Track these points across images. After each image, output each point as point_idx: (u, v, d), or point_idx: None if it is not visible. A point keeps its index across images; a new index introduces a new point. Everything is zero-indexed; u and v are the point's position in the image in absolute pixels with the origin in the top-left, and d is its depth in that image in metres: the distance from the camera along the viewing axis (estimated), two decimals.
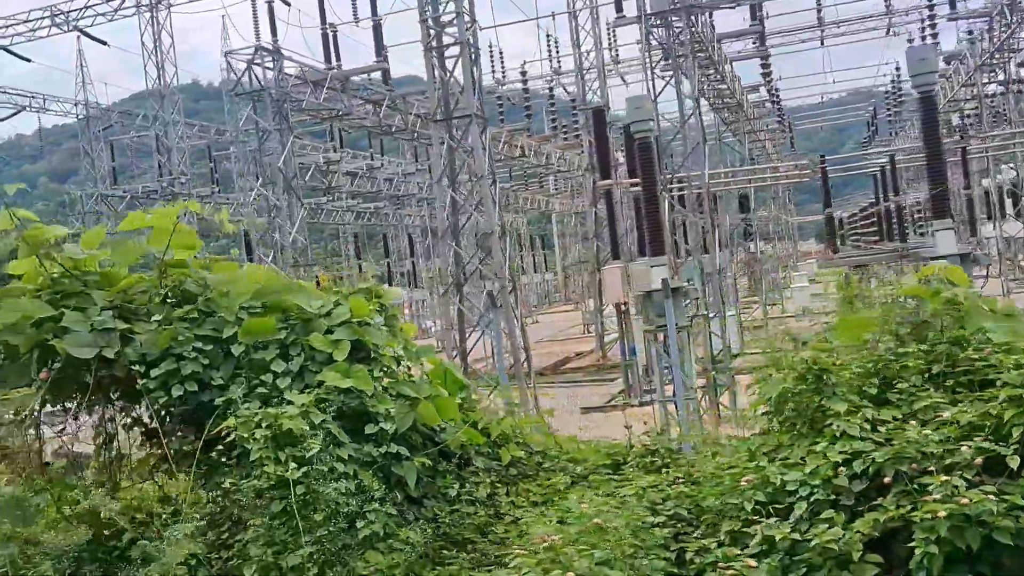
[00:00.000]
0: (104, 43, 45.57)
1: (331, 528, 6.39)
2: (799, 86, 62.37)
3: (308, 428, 6.65)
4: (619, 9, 31.37)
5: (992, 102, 40.01)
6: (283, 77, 30.05)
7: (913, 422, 5.87)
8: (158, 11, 43.68)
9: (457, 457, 7.74)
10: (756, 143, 52.10)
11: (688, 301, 21.36)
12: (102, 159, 51.95)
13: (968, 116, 41.27)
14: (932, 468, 5.42)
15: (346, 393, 7.18)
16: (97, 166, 52.61)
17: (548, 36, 59.88)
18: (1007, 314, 6.87)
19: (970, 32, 38.77)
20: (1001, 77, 37.07)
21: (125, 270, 8.16)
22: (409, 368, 8.08)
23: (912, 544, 5.09)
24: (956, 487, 5.15)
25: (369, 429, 7.15)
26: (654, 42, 26.96)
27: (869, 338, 7.14)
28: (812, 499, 5.67)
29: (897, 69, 53.04)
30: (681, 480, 6.86)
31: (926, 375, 6.43)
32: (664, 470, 7.32)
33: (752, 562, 5.25)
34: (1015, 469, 5.26)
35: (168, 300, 7.70)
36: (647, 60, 25.94)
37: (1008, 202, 38.41)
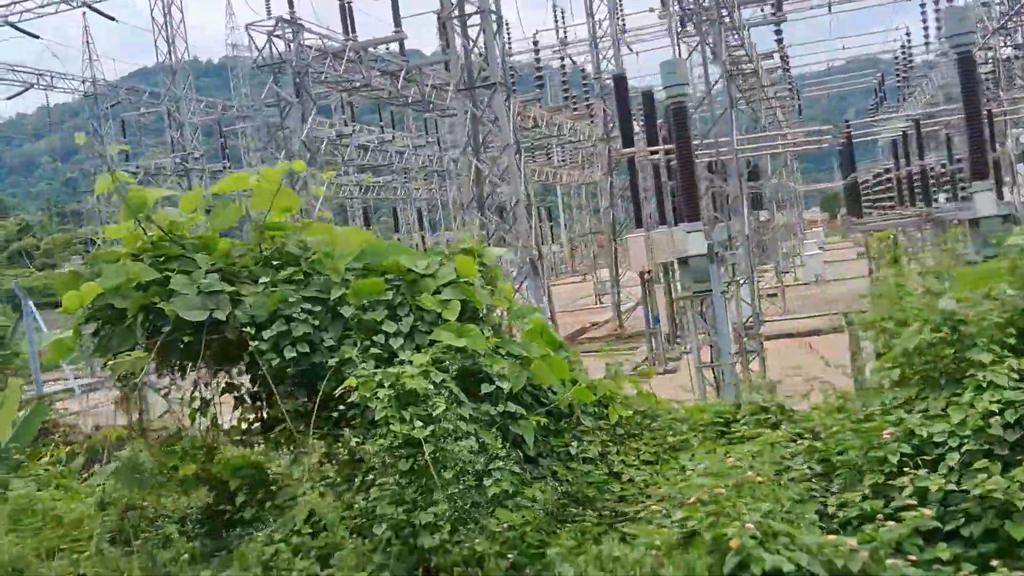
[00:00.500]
0: (113, 19, 45.18)
1: (461, 486, 6.35)
2: (807, 53, 62.07)
3: (432, 387, 6.60)
4: None
5: (1009, 65, 39.78)
6: (302, 49, 29.82)
7: None
8: None
9: (565, 417, 7.69)
10: (768, 111, 51.89)
11: (726, 266, 21.33)
12: (110, 136, 51.54)
13: (985, 79, 41.03)
14: None
15: (459, 352, 7.12)
16: (106, 143, 52.10)
17: (555, 6, 59.45)
18: None
19: None
20: (1019, 41, 36.85)
21: (217, 234, 8.09)
22: (510, 328, 8.03)
23: None
24: None
25: (485, 388, 7.10)
26: (677, 7, 26.77)
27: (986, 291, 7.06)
28: (963, 450, 5.62)
29: (908, 35, 52.71)
30: (806, 436, 6.82)
31: None
32: (777, 428, 7.28)
33: (928, 511, 5.20)
34: None
35: (272, 263, 7.64)
36: (672, 25, 25.72)
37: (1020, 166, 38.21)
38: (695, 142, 27.78)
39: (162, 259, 7.58)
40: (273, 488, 7.53)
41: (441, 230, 66.77)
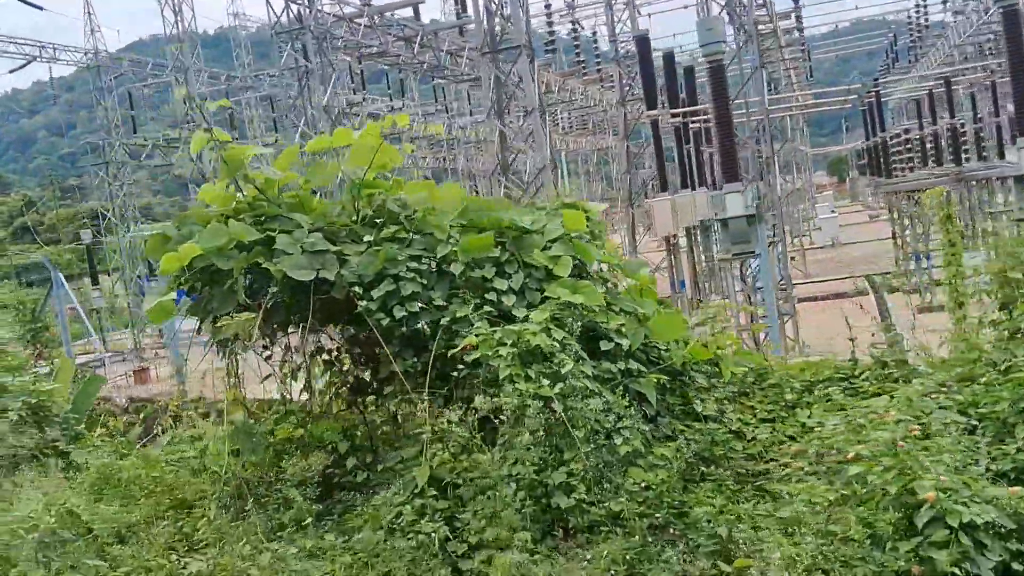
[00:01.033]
0: None
1: (592, 445, 6.17)
2: (811, 15, 61.52)
3: (556, 344, 6.41)
4: None
5: None
6: (321, 14, 29.41)
7: None
8: None
9: (677, 375, 7.50)
10: (784, 73, 51.50)
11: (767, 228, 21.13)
12: (113, 109, 50.94)
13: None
14: None
15: (574, 309, 6.92)
16: (110, 116, 51.56)
17: None
18: None
19: None
20: None
21: (310, 192, 7.87)
22: (616, 284, 7.83)
23: None
24: None
25: (604, 346, 6.90)
26: None
27: None
28: None
29: None
30: (940, 391, 6.63)
31: None
32: (905, 383, 7.09)
33: None
34: None
35: (375, 221, 7.42)
36: None
37: None
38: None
39: (262, 219, 7.35)
40: (381, 450, 7.36)
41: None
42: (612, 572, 5.38)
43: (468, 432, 6.75)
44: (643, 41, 31.28)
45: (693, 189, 28.91)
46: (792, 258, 40.08)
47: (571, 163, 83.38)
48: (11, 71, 53.00)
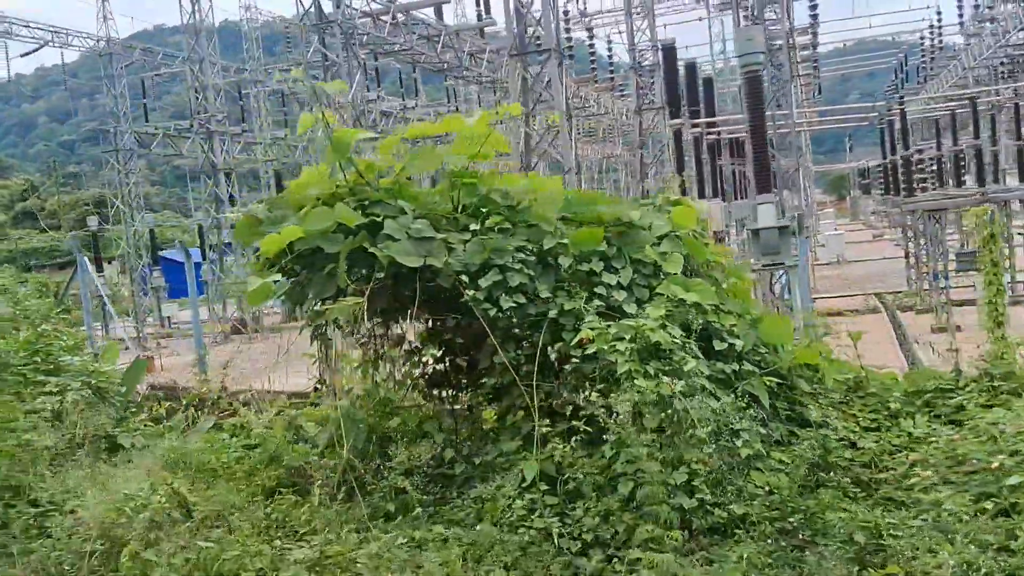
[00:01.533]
0: None
1: (714, 446, 6.05)
2: (827, 32, 61.65)
3: (676, 342, 6.29)
4: None
5: None
6: (349, 10, 29.29)
7: None
8: None
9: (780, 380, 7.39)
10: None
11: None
12: (123, 96, 50.57)
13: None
14: None
15: (688, 307, 6.81)
16: (118, 104, 51.16)
17: None
18: None
19: None
20: None
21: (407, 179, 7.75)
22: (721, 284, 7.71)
23: None
24: None
25: (718, 346, 6.78)
26: None
27: None
28: None
29: (939, 14, 52.35)
30: None
31: None
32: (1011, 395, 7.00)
33: None
34: None
35: (477, 210, 7.30)
36: None
37: None
38: (738, 116, 27.53)
39: (365, 204, 7.22)
40: (476, 442, 7.23)
41: None
42: None
43: (570, 426, 6.60)
44: (669, 50, 31.25)
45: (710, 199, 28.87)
46: None
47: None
48: (23, 55, 52.50)
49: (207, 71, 44.79)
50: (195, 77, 44.36)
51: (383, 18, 31.21)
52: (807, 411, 6.99)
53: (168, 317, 45.73)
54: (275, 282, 7.54)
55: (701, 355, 6.61)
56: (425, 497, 6.59)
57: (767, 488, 6.00)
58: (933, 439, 6.49)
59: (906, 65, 65.51)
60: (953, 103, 32.46)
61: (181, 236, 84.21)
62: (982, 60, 40.78)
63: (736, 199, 35.06)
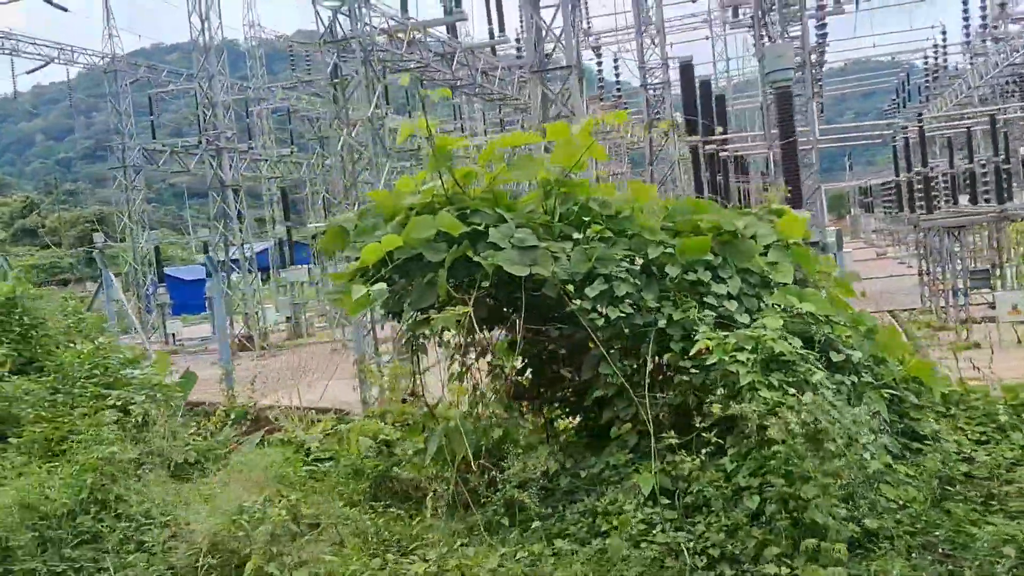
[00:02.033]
0: None
1: (843, 459, 5.92)
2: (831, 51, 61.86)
3: (799, 352, 6.17)
4: None
5: None
6: (367, 27, 29.25)
7: None
8: None
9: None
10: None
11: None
12: (128, 114, 50.46)
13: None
14: None
15: (802, 318, 6.69)
16: (123, 120, 51.02)
17: None
18: None
19: None
20: None
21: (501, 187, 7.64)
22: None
23: None
24: None
25: (835, 357, 6.65)
26: None
27: None
28: None
29: (944, 33, 52.59)
30: None
31: None
32: None
33: None
34: None
35: (578, 219, 7.19)
36: (759, 13, 25.39)
37: None
38: (743, 133, 27.50)
39: (466, 212, 7.11)
40: (580, 455, 7.09)
41: None
42: None
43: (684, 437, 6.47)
44: (687, 68, 31.27)
45: None
46: None
47: None
48: (28, 71, 52.52)
49: (216, 88, 44.74)
50: (204, 94, 44.28)
51: (399, 35, 31.24)
52: (919, 425, 6.86)
53: (173, 334, 45.62)
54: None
55: (821, 367, 6.47)
56: (543, 510, 6.44)
57: (899, 502, 5.86)
58: None
59: (908, 84, 65.77)
60: (968, 120, 32.49)
61: (180, 253, 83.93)
62: (988, 79, 40.93)
63: None
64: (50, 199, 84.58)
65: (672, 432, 6.62)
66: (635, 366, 6.89)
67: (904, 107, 65.04)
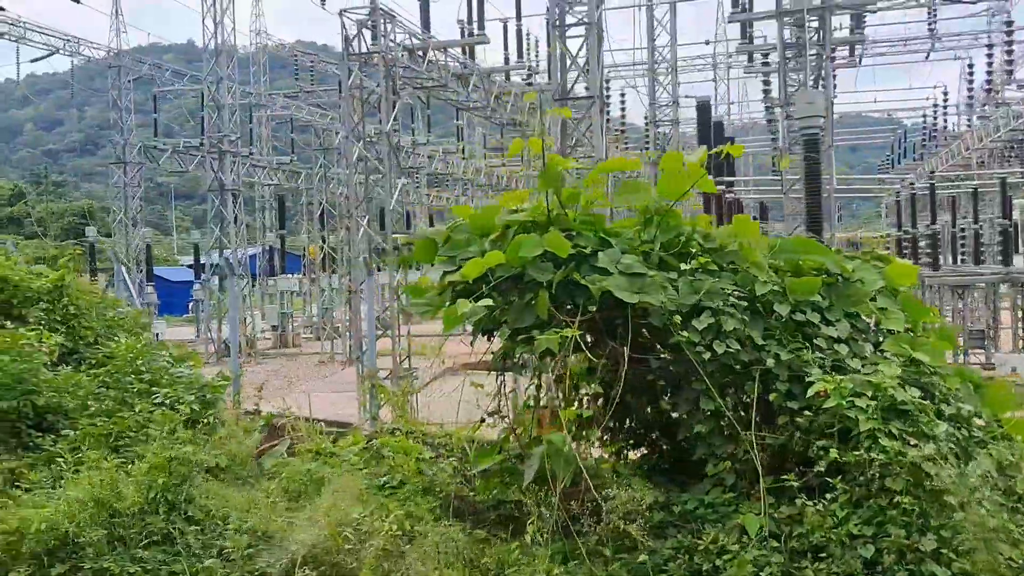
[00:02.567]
0: None
1: (963, 513, 5.81)
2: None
3: (921, 402, 6.07)
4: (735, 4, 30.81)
5: None
6: (390, 44, 29.20)
7: None
8: None
9: None
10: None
11: None
12: (128, 110, 50.02)
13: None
14: None
15: (916, 367, 6.59)
16: (123, 116, 50.60)
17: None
18: None
19: None
20: None
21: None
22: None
23: None
24: None
25: (947, 410, 6.55)
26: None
27: None
28: None
29: (945, 94, 53.10)
30: None
31: None
32: None
33: None
34: None
35: (686, 249, 7.08)
36: (782, 58, 25.50)
37: None
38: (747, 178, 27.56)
39: (571, 234, 6.98)
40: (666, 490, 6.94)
41: None
42: None
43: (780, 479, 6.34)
44: (704, 107, 31.38)
45: None
46: None
47: None
48: (32, 60, 52.14)
49: (224, 91, 44.58)
50: (211, 96, 44.09)
51: (420, 53, 31.20)
52: (1017, 483, 6.75)
53: (157, 334, 45.05)
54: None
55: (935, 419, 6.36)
56: (651, 543, 6.28)
57: (1018, 561, 5.74)
58: None
59: (904, 141, 66.38)
60: (975, 181, 32.74)
61: (162, 253, 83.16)
62: (988, 141, 41.30)
63: None
64: (40, 189, 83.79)
65: (768, 474, 6.51)
66: (733, 404, 6.76)
67: (899, 163, 65.63)
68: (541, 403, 7.55)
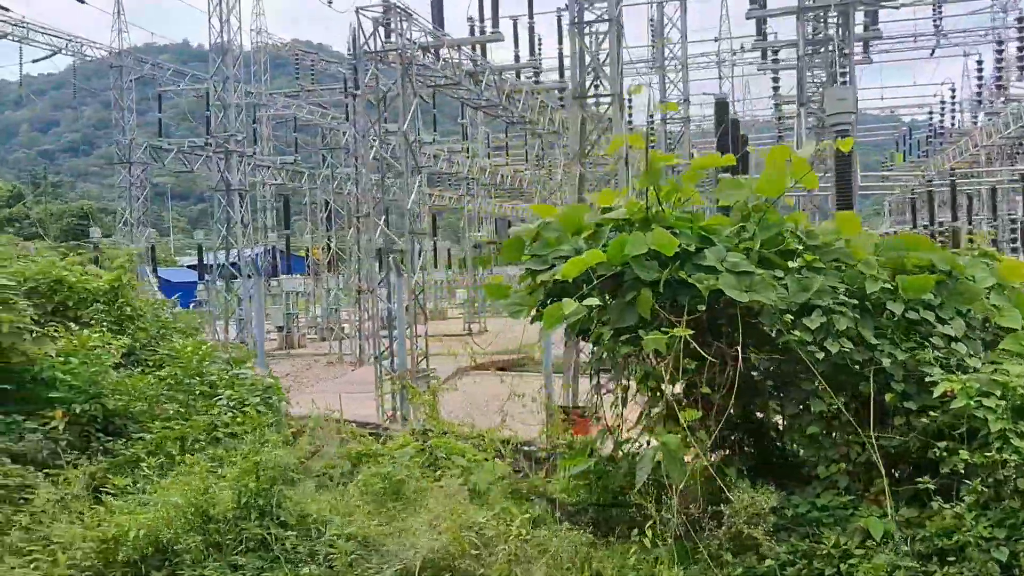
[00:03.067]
0: None
1: None
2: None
3: None
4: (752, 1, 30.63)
5: None
6: (406, 41, 28.99)
7: None
8: None
9: None
10: None
11: None
12: (130, 110, 49.69)
13: None
14: None
15: None
16: (126, 116, 50.31)
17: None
18: None
19: None
20: None
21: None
22: None
23: None
24: None
25: None
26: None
27: None
28: None
29: (953, 91, 53.08)
30: None
31: None
32: None
33: None
34: None
35: (792, 247, 6.92)
36: (802, 54, 25.38)
37: None
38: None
39: (674, 232, 6.81)
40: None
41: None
42: None
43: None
44: (722, 104, 31.21)
45: None
46: None
47: None
48: (34, 60, 51.91)
49: (230, 91, 44.32)
50: (217, 96, 43.82)
51: (430, 51, 31.03)
52: None
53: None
54: (542, 306, 7.12)
55: None
56: (779, 548, 6.11)
57: None
58: None
59: (910, 139, 66.27)
60: (993, 178, 32.68)
61: (159, 254, 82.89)
62: (998, 138, 41.25)
63: None
64: (38, 190, 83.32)
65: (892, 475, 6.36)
66: (843, 404, 6.60)
67: (904, 161, 65.44)
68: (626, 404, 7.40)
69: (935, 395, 6.11)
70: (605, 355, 7.08)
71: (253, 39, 65.86)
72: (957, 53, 53.65)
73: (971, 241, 10.11)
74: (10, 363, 8.35)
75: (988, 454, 5.81)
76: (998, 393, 5.92)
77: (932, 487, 6.01)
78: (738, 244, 7.04)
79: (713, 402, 6.94)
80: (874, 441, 6.22)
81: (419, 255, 30.86)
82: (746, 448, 7.92)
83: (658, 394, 7.54)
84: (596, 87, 25.68)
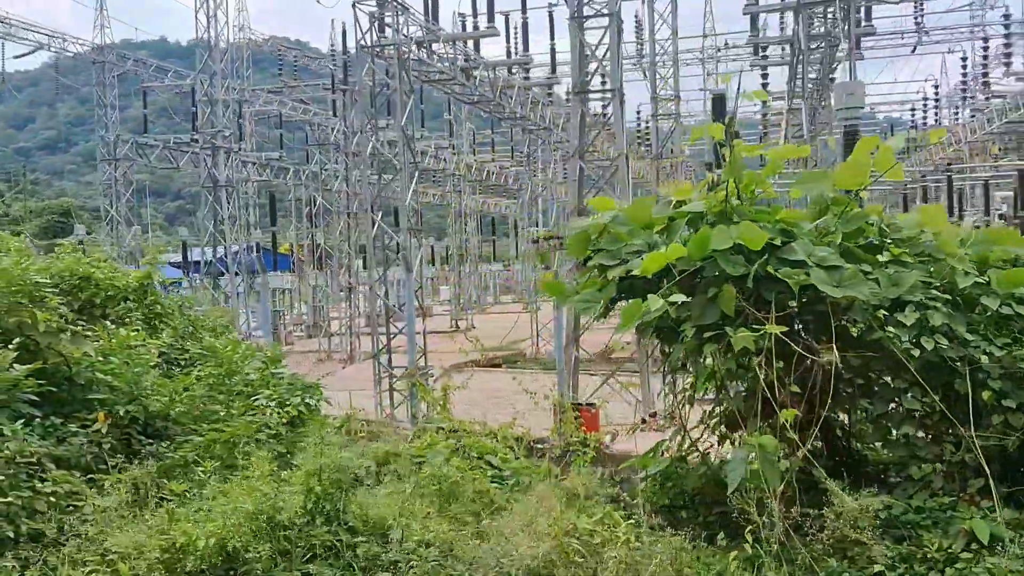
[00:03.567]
0: None
1: None
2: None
3: None
4: None
5: None
6: (403, 36, 28.69)
7: None
8: None
9: None
10: None
11: None
12: (113, 107, 49.07)
13: None
14: None
15: None
16: (108, 112, 49.69)
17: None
18: None
19: None
20: None
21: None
22: None
23: None
24: None
25: None
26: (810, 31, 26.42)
27: None
28: None
29: (936, 87, 53.36)
30: None
31: None
32: None
33: None
34: None
35: (881, 240, 6.71)
36: (797, 51, 25.33)
37: None
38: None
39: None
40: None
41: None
42: None
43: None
44: (719, 100, 30.97)
45: None
46: None
47: None
48: (16, 56, 51.20)
49: (217, 86, 43.84)
50: (204, 92, 43.33)
51: (424, 46, 30.72)
52: None
53: None
54: (612, 303, 6.88)
55: None
56: (886, 554, 5.88)
57: None
58: None
59: (891, 135, 66.37)
60: (986, 174, 32.73)
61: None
62: (982, 134, 41.41)
63: None
64: (17, 188, 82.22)
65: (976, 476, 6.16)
66: (934, 402, 6.39)
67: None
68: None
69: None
70: (684, 353, 6.82)
71: (235, 35, 65.19)
72: (938, 50, 53.77)
73: None
74: (46, 363, 8.01)
75: None
76: None
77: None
78: (820, 238, 6.82)
79: (799, 401, 6.72)
80: (975, 441, 6.00)
81: (419, 251, 30.56)
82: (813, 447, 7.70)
83: (732, 394, 7.33)
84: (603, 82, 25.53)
